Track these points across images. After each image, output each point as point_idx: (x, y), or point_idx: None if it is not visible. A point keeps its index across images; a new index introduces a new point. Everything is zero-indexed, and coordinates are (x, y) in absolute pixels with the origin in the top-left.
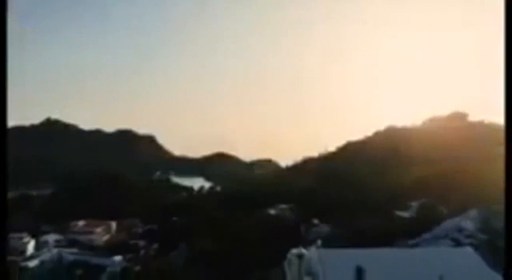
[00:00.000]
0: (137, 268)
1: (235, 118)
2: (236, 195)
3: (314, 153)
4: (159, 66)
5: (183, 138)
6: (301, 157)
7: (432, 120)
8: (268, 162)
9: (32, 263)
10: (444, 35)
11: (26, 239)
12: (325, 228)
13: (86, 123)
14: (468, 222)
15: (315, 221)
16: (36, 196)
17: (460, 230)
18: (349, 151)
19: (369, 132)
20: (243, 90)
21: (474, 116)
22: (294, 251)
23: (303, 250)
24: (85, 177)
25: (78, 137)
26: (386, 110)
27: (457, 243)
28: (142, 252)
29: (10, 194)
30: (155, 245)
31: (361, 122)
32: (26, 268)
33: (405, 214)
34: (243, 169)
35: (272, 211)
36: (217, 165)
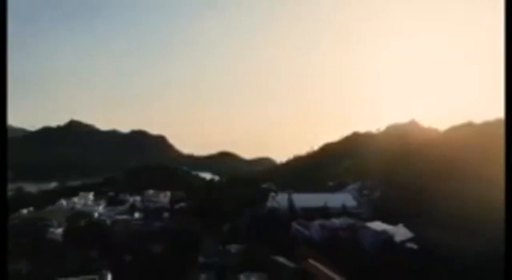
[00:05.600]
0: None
1: (236, 120)
2: (238, 180)
3: (303, 151)
4: (161, 71)
5: (191, 138)
6: (292, 155)
7: (389, 127)
8: (266, 160)
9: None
10: (443, 35)
11: (127, 197)
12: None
13: (103, 125)
14: (357, 185)
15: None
16: (115, 177)
17: (354, 188)
18: (327, 150)
19: (345, 134)
20: (243, 95)
21: (426, 123)
22: (270, 195)
23: (275, 194)
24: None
25: (95, 138)
26: (361, 115)
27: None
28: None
29: (93, 180)
30: (196, 202)
31: (342, 125)
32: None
33: (331, 183)
34: (244, 166)
35: (264, 186)
36: (220, 162)
